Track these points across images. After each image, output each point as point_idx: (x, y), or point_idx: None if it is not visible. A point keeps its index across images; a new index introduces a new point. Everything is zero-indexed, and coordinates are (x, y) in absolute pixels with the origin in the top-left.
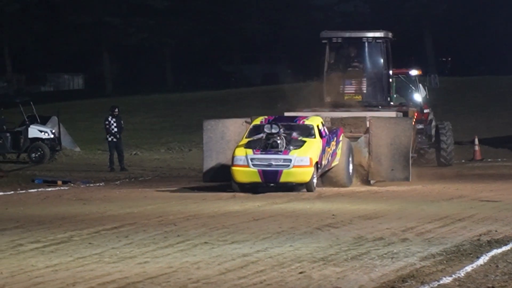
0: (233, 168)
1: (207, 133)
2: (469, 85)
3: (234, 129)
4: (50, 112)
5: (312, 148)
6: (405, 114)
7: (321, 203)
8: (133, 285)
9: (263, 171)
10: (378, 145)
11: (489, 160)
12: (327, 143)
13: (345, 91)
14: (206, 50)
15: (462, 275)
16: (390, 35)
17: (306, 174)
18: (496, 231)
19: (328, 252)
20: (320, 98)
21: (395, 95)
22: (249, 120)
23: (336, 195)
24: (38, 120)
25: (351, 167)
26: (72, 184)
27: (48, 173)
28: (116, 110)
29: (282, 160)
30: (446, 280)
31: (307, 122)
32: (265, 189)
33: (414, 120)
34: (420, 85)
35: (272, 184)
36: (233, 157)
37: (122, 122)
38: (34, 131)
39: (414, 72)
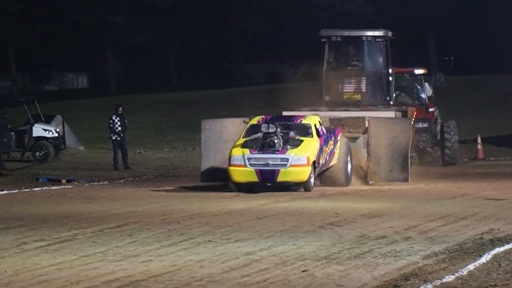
0: (230, 168)
1: (205, 132)
2: (471, 84)
3: (232, 128)
4: (55, 111)
5: (310, 147)
6: (404, 113)
7: (324, 201)
8: (137, 283)
9: (260, 170)
10: (377, 145)
11: (491, 159)
12: (324, 142)
13: (344, 90)
14: (209, 49)
15: (465, 273)
16: (389, 34)
17: (303, 173)
18: (498, 229)
19: (331, 250)
20: (319, 97)
21: (402, 94)
22: (247, 119)
23: (339, 194)
24: (43, 119)
25: (349, 166)
26: (76, 183)
27: (52, 172)
28: (120, 109)
29: (279, 160)
30: (449, 278)
31: (304, 121)
32: (262, 189)
33: (414, 119)
34: (427, 84)
35: (269, 184)
36: (230, 156)
37: (126, 121)
38: (38, 130)
39: (419, 71)
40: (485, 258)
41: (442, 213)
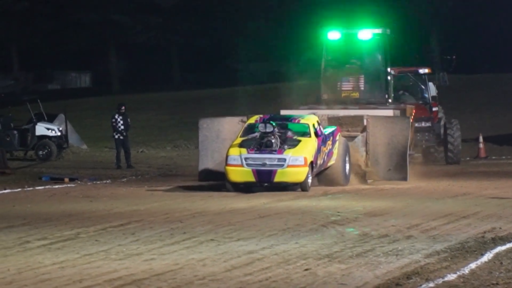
0: (227, 167)
1: (202, 131)
2: (473, 83)
3: (229, 127)
4: (57, 110)
5: (307, 148)
6: (403, 112)
7: (327, 200)
8: (140, 282)
9: (257, 170)
10: (376, 144)
11: (493, 157)
12: (322, 143)
13: (343, 88)
14: (212, 48)
15: (467, 272)
16: (388, 31)
17: (300, 173)
18: (500, 228)
19: (333, 249)
20: (317, 95)
21: (406, 93)
22: (244, 118)
23: (341, 193)
24: (45, 118)
25: (347, 166)
26: (79, 182)
27: (55, 171)
28: (123, 107)
29: (276, 160)
30: (451, 277)
31: (302, 121)
32: (259, 189)
33: (413, 118)
34: (431, 83)
35: (266, 184)
36: (227, 156)
37: (128, 119)
38: (41, 129)
39: (423, 70)
40: (487, 256)
41: (444, 211)
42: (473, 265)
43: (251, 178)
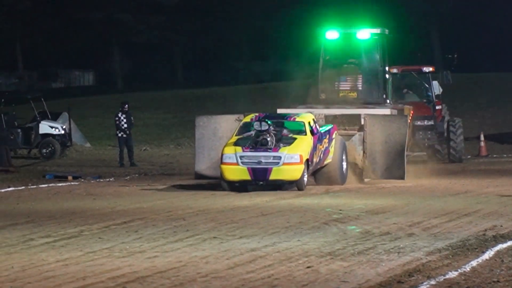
0: (222, 166)
1: (199, 129)
2: (475, 81)
3: (226, 125)
4: (61, 108)
5: (303, 145)
6: (400, 111)
7: (329, 198)
8: (143, 279)
9: (253, 168)
10: (373, 143)
11: (494, 156)
12: (318, 141)
13: (340, 88)
14: (215, 47)
15: (468, 269)
16: (386, 31)
17: (296, 171)
18: (501, 226)
19: (335, 246)
20: (315, 95)
21: (410, 92)
22: (241, 116)
23: (343, 191)
24: (49, 116)
25: (344, 165)
26: (82, 180)
27: (58, 169)
28: (126, 106)
29: (271, 158)
30: (452, 274)
31: (298, 119)
32: (254, 187)
33: (411, 118)
34: (436, 82)
35: (261, 182)
36: (222, 154)
37: (132, 118)
38: (45, 127)
39: (427, 69)
40: (488, 254)
41: (446, 209)
42: (474, 263)
43: (247, 177)
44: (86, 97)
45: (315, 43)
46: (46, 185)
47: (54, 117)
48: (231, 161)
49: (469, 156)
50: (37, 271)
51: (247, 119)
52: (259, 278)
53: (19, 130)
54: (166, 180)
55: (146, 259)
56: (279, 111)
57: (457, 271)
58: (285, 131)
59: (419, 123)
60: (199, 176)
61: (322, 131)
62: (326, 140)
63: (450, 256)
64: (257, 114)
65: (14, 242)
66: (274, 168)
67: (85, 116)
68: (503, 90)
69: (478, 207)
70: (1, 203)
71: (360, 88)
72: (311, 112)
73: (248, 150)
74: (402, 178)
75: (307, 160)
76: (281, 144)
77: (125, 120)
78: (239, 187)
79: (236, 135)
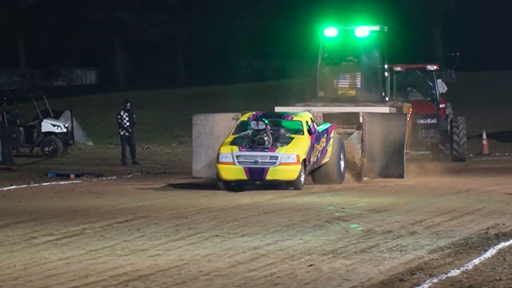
0: (218, 165)
1: (196, 128)
2: (477, 79)
3: (223, 124)
4: (63, 107)
5: (300, 145)
6: (399, 109)
7: (331, 196)
8: (145, 277)
9: (249, 168)
10: (372, 141)
11: (496, 154)
12: (316, 140)
13: (339, 86)
14: (217, 45)
15: (470, 267)
16: (385, 28)
17: (293, 171)
18: (503, 224)
19: (337, 245)
20: (313, 93)
21: (414, 90)
22: (239, 115)
23: (345, 189)
24: (51, 114)
25: (342, 164)
26: (84, 178)
27: (61, 167)
28: (128, 104)
29: (268, 157)
30: (454, 272)
31: (295, 118)
32: (251, 187)
33: (410, 116)
34: (440, 80)
35: (258, 182)
36: (218, 154)
37: (134, 116)
38: (47, 125)
39: (431, 67)
40: (490, 252)
41: (448, 208)
42: (476, 261)
43: (243, 176)
44: (89, 95)
45: (314, 40)
46: (48, 183)
47: (57, 116)
48: (227, 160)
49: (471, 155)
50: (39, 269)
51: (244, 117)
52: (261, 276)
53: (21, 129)
54: (168, 178)
55: (148, 257)
56: (277, 109)
57: (459, 269)
58: (282, 131)
59: (422, 121)
60: (196, 174)
61: (320, 130)
62: (323, 139)
63: (453, 255)
64: (254, 113)
65: (16, 240)
66: (271, 168)
67: (87, 115)
68: (505, 88)
69: (480, 206)
70: (3, 201)
71: (359, 86)
72: (309, 111)
73: (244, 149)
74: (402, 177)
75: (304, 160)
76: (278, 144)
77: (127, 119)
78: (235, 187)
79: (232, 134)
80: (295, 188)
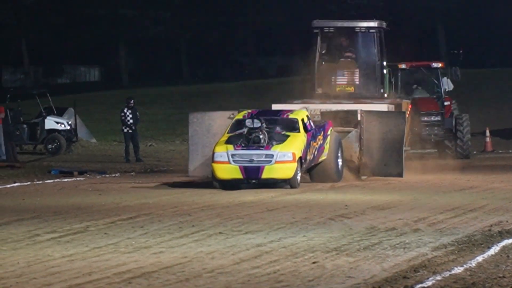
0: (214, 164)
1: (192, 126)
2: (480, 77)
3: (220, 122)
4: (67, 104)
5: (296, 143)
6: (398, 106)
7: (334, 193)
8: (148, 274)
9: (245, 167)
10: (370, 139)
11: (500, 151)
12: (312, 138)
13: (337, 83)
14: (221, 42)
15: (474, 265)
16: (384, 24)
17: (289, 170)
18: (507, 221)
19: (341, 242)
20: (311, 90)
21: (419, 88)
22: (235, 113)
23: (349, 186)
24: (55, 112)
25: (340, 162)
26: (88, 175)
27: (64, 164)
28: (132, 101)
29: (264, 156)
30: (458, 270)
31: (291, 116)
32: (246, 186)
33: (409, 113)
34: (446, 78)
35: (253, 181)
36: (213, 153)
37: (138, 113)
38: (50, 123)
39: (436, 65)
40: (494, 250)
41: (451, 205)
42: (480, 258)
43: (239, 175)
44: (92, 92)
45: (312, 36)
46: (51, 181)
47: (60, 113)
48: (223, 159)
49: (474, 152)
50: (43, 267)
51: (239, 116)
52: (264, 273)
53: (24, 126)
54: (171, 175)
55: (152, 254)
56: (274, 107)
57: (462, 266)
58: (278, 129)
59: (425, 118)
60: (192, 173)
61: (316, 128)
62: (320, 137)
63: (456, 252)
64: (249, 111)
65: (20, 237)
66: (267, 166)
67: (90, 112)
68: (508, 85)
69: (483, 203)
70: (7, 199)
71: (357, 83)
72: (306, 108)
73: (240, 148)
74: (401, 175)
75: (300, 158)
76: (274, 142)
77: (131, 116)
78: (230, 186)
79: (228, 133)
80: (291, 187)
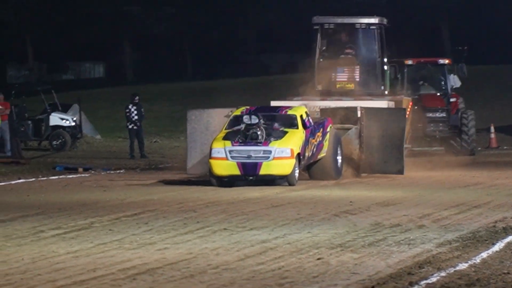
0: (211, 161)
1: (191, 123)
2: (485, 73)
3: (219, 119)
4: (71, 100)
5: (294, 139)
6: (399, 103)
7: (339, 190)
8: (153, 271)
9: (242, 163)
10: (370, 136)
11: (505, 147)
12: (311, 134)
13: (337, 79)
14: (224, 39)
15: (478, 261)
16: (384, 21)
17: (287, 166)
18: (511, 218)
19: (345, 238)
20: (311, 86)
21: (425, 84)
22: (234, 110)
23: (354, 182)
24: (60, 108)
25: (339, 159)
26: (92, 171)
27: (69, 161)
28: (137, 98)
29: (261, 152)
30: (462, 266)
31: (290, 112)
32: (244, 182)
33: (409, 110)
34: (453, 75)
35: (251, 177)
36: (211, 149)
37: (142, 110)
38: (55, 119)
39: (442, 61)
40: (498, 246)
41: (456, 201)
42: (484, 255)
43: (236, 171)
44: (97, 89)
45: (312, 33)
46: (56, 177)
47: (65, 109)
48: (220, 155)
49: (479, 148)
50: (48, 263)
51: (237, 112)
52: (269, 269)
53: (29, 122)
54: (176, 171)
55: (157, 251)
56: (273, 103)
57: (467, 262)
58: (276, 125)
59: (431, 115)
60: (191, 170)
61: (315, 124)
62: (319, 134)
63: (461, 248)
64: (247, 107)
65: (24, 234)
66: (264, 162)
67: (95, 108)
68: None
69: (488, 199)
70: (11, 195)
71: (357, 80)
72: (305, 105)
73: (237, 144)
74: (401, 173)
75: (299, 154)
76: (272, 138)
77: (135, 112)
78: (227, 182)
79: (225, 129)
80: (289, 184)
